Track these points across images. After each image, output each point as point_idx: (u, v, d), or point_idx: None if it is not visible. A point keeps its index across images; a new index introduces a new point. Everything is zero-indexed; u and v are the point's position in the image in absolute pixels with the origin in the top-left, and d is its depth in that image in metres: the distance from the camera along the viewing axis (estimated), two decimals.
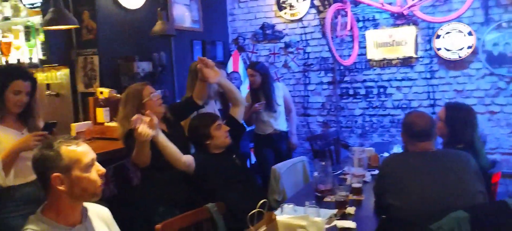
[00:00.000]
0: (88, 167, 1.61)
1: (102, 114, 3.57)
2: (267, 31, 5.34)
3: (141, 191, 2.69)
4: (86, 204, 1.72)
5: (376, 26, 4.82)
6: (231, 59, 5.26)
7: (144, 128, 2.23)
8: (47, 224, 1.58)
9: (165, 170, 2.49)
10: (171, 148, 2.39)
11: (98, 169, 1.64)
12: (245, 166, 2.90)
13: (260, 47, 5.46)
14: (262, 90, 3.97)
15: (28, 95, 2.25)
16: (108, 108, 3.60)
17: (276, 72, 5.34)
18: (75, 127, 3.34)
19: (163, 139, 2.35)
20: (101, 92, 3.61)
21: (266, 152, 4.09)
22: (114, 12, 3.94)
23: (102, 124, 3.57)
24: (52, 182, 1.59)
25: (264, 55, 5.43)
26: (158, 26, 3.98)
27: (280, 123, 4.08)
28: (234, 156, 2.81)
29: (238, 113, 2.98)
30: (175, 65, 4.55)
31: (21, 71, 2.28)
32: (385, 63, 4.84)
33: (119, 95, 3.70)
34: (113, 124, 3.54)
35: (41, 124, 2.34)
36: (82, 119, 3.80)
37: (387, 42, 4.75)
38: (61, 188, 1.59)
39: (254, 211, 1.55)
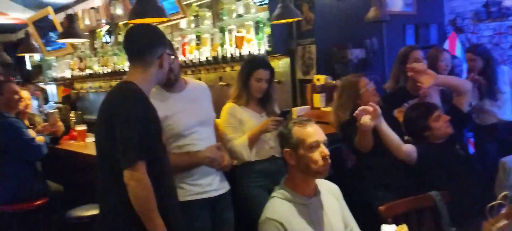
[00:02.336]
0: (311, 147, 1.77)
1: (318, 99, 3.83)
2: (492, 9, 4.77)
3: (359, 174, 2.79)
4: (318, 180, 1.91)
5: None
6: (447, 42, 4.90)
7: (366, 118, 2.31)
8: (289, 193, 1.83)
9: (385, 155, 2.53)
10: (392, 137, 2.41)
11: (322, 151, 1.78)
12: (469, 156, 2.72)
13: (483, 27, 4.92)
14: (483, 76, 3.61)
15: (267, 82, 2.59)
16: (324, 94, 3.84)
17: (501, 55, 4.74)
18: (296, 111, 3.68)
19: (385, 128, 2.38)
20: (318, 79, 3.87)
21: (488, 143, 3.71)
22: (330, 2, 4.15)
23: (318, 108, 3.83)
24: (284, 156, 1.83)
25: (487, 36, 4.88)
26: (372, 12, 4.00)
27: (505, 112, 3.64)
28: (457, 146, 2.67)
29: (462, 102, 2.79)
30: (386, 51, 4.51)
31: (263, 61, 2.64)
32: None
33: (334, 82, 3.90)
34: (329, 108, 3.77)
35: (277, 109, 2.67)
36: (299, 104, 4.14)
37: None
38: (292, 162, 1.82)
39: (494, 202, 1.48)
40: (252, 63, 2.62)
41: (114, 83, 6.64)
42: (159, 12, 2.90)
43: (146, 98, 1.83)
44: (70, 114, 4.65)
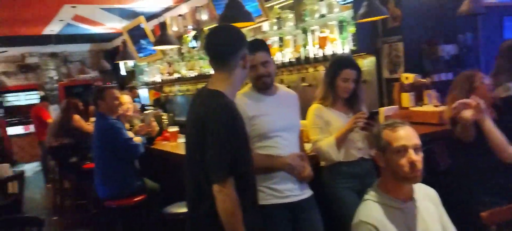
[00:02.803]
0: (398, 151, 1.70)
1: (407, 99, 3.69)
2: None
3: (459, 173, 2.64)
4: (415, 184, 1.83)
5: None
6: None
7: (466, 113, 2.20)
8: (382, 196, 1.80)
9: (491, 154, 2.36)
10: (496, 136, 2.25)
11: (409, 156, 1.69)
12: None
13: None
14: None
15: (354, 82, 2.55)
16: (413, 93, 3.69)
17: None
18: (383, 111, 3.57)
19: (489, 125, 2.24)
20: (406, 78, 3.72)
21: None
22: None
23: (407, 108, 3.69)
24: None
25: None
26: (465, 5, 3.77)
27: None
28: None
29: None
30: (481, 46, 4.22)
31: (349, 61, 2.60)
32: None
33: (423, 80, 3.74)
34: (418, 108, 3.61)
35: (364, 109, 2.62)
36: (386, 104, 4.02)
37: None
38: (381, 165, 1.78)
39: None
40: (338, 63, 2.59)
41: (200, 86, 6.95)
42: (247, 17, 3.00)
43: (237, 111, 1.84)
44: (163, 116, 4.94)
